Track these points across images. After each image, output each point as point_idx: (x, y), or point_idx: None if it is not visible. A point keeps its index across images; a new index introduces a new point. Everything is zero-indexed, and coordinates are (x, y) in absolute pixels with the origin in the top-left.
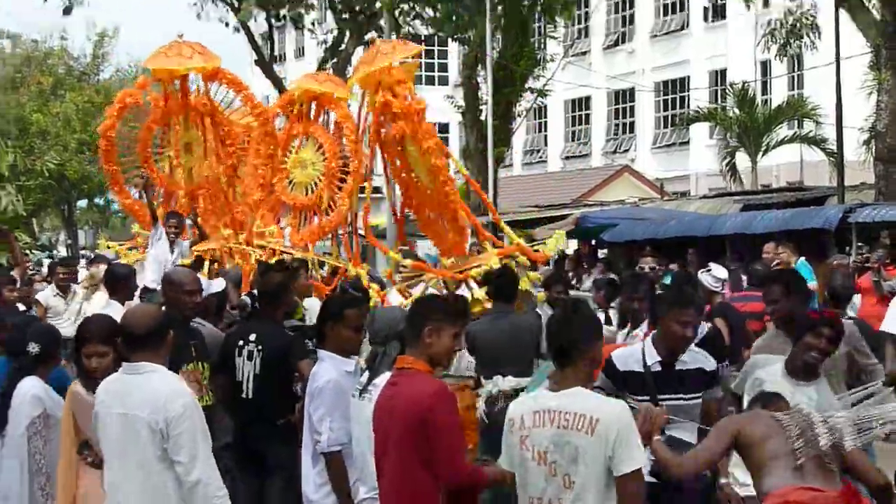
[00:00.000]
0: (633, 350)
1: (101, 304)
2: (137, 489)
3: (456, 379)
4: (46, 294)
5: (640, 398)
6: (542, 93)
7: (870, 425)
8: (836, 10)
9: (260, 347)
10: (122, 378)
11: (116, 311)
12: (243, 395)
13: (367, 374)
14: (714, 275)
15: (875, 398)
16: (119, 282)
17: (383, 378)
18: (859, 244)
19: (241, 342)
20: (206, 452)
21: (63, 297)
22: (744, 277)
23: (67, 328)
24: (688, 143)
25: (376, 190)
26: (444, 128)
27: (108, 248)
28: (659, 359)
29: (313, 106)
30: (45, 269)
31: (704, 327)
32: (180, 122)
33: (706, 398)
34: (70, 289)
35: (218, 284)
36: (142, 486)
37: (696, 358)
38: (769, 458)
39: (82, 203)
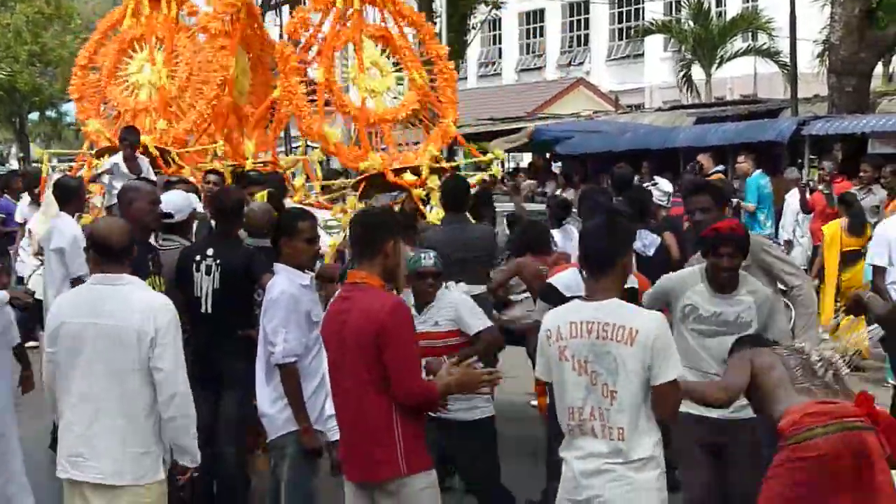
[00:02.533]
0: (574, 274)
1: (52, 215)
2: (115, 398)
3: None
4: None
5: None
6: (496, 4)
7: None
8: None
9: (218, 262)
10: (96, 289)
11: (67, 223)
12: (202, 311)
13: None
14: (661, 188)
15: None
16: (69, 194)
17: None
18: (812, 156)
19: (198, 257)
20: (184, 365)
21: None
22: None
23: None
24: (642, 55)
25: (326, 102)
26: None
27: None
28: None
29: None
30: None
31: (656, 240)
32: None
33: None
34: None
35: (195, 199)
36: (119, 396)
37: (630, 278)
38: (776, 384)
39: (34, 116)
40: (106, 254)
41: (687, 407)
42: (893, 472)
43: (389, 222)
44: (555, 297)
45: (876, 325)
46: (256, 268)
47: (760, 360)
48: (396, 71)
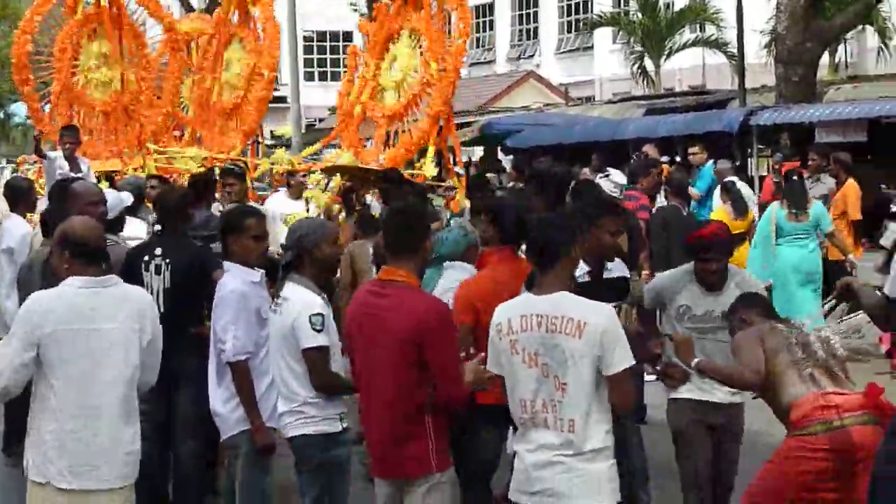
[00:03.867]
0: None
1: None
2: (121, 402)
3: None
4: None
5: None
6: None
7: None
8: None
9: (168, 261)
10: (87, 293)
11: (17, 224)
12: None
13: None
14: (612, 180)
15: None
16: (19, 194)
17: (290, 289)
18: (760, 146)
19: (146, 257)
20: None
21: None
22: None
23: None
24: (592, 48)
25: (281, 99)
26: (347, 35)
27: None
28: (587, 269)
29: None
30: None
31: None
32: (96, 31)
33: (628, 303)
34: None
35: (128, 197)
36: (124, 399)
37: (617, 265)
38: (781, 369)
39: None
40: (86, 255)
41: (688, 392)
42: None
43: (428, 219)
44: None
45: (862, 312)
46: (208, 264)
47: (769, 342)
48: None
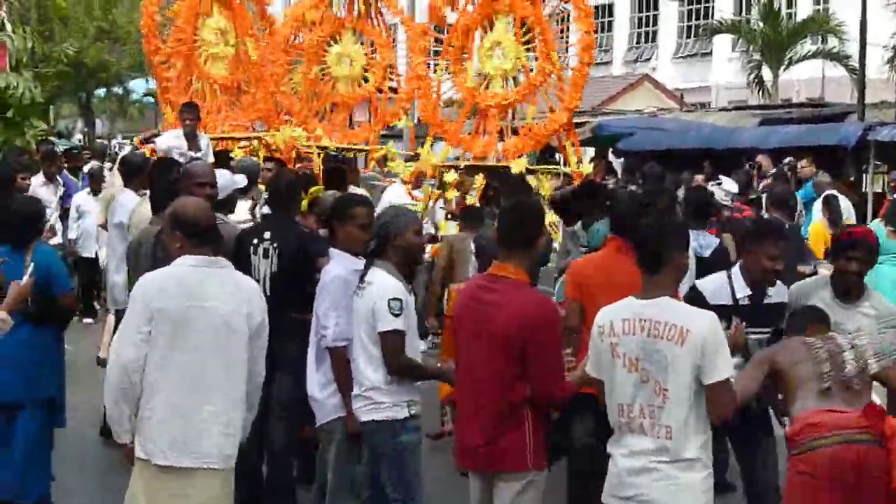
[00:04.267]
0: (721, 282)
1: (115, 191)
2: (224, 382)
3: None
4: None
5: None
6: None
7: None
8: None
9: (276, 245)
10: (196, 271)
11: (130, 199)
12: None
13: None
14: (725, 188)
15: None
16: (133, 170)
17: (374, 274)
18: (877, 162)
19: (255, 240)
20: None
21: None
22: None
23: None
24: (710, 54)
25: (395, 90)
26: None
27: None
28: (749, 293)
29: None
30: None
31: (713, 240)
32: (213, 6)
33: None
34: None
35: (241, 179)
36: (227, 380)
37: (780, 291)
38: (798, 383)
39: (100, 91)
40: (198, 235)
41: None
42: None
43: (542, 217)
44: (698, 303)
45: None
46: (314, 249)
47: (783, 357)
48: (527, 49)
